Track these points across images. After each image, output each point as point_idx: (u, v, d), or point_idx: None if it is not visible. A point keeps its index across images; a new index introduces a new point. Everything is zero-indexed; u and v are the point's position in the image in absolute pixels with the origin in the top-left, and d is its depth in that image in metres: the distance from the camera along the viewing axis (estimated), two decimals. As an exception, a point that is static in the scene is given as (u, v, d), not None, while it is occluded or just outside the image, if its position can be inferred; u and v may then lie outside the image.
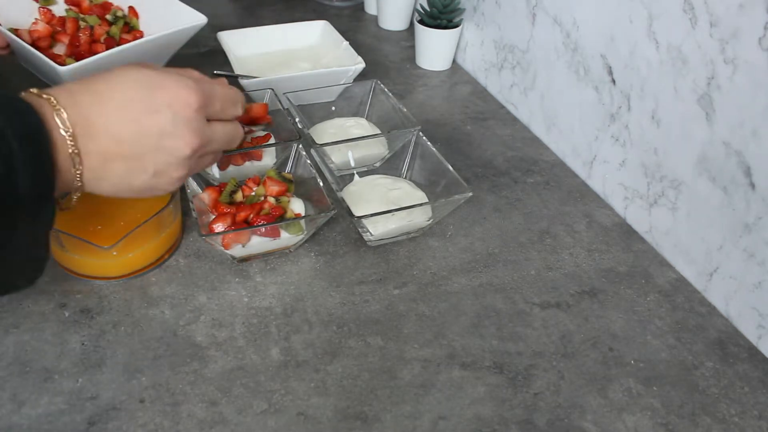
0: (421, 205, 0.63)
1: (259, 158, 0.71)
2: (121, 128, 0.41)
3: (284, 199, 0.63)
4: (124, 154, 0.42)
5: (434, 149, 0.70)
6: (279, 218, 0.61)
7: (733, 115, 0.57)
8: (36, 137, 0.37)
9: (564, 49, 0.78)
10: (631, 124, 0.69)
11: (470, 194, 0.64)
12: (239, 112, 0.51)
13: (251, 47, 0.93)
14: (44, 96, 0.39)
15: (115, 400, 0.49)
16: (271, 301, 0.59)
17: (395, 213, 0.61)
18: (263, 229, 0.60)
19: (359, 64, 0.85)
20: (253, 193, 0.63)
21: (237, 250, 0.60)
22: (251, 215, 0.61)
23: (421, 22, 0.98)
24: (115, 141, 0.41)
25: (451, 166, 0.67)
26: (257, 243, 0.61)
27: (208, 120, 0.47)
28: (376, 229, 0.63)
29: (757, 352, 0.58)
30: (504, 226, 0.70)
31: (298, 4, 1.20)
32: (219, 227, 0.59)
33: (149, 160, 0.43)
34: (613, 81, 0.71)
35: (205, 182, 0.67)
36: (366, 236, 0.65)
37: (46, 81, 0.78)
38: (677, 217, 0.65)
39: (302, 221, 0.62)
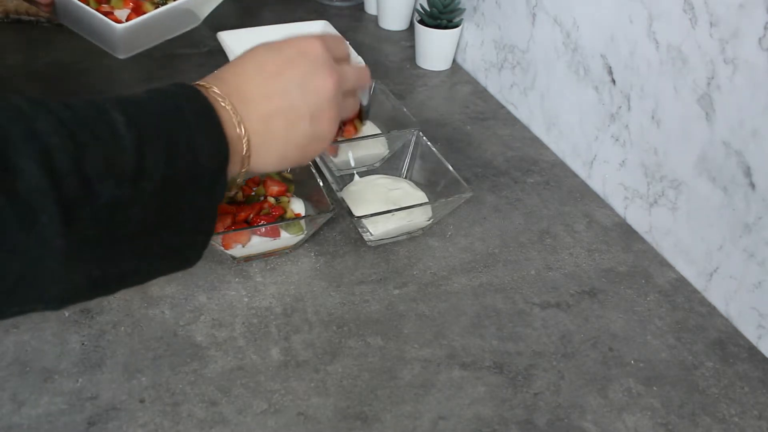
0: (421, 205, 0.63)
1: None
2: (268, 86, 0.44)
3: (284, 199, 0.63)
4: (278, 105, 0.44)
5: (434, 149, 0.70)
6: (279, 218, 0.61)
7: (733, 115, 0.57)
8: (209, 113, 0.40)
9: (564, 49, 0.78)
10: (631, 124, 0.69)
11: (470, 194, 0.64)
12: (347, 50, 0.54)
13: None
14: (195, 84, 0.42)
15: (115, 400, 0.49)
16: (271, 301, 0.59)
17: (395, 213, 0.61)
18: (263, 229, 0.60)
19: (359, 64, 0.85)
20: (253, 193, 0.63)
21: (237, 250, 0.60)
22: (251, 215, 0.61)
23: (421, 22, 0.98)
24: (266, 98, 0.43)
25: (451, 166, 0.67)
26: (257, 243, 0.61)
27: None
28: (376, 229, 0.63)
29: (757, 352, 0.58)
30: (504, 226, 0.70)
31: (298, 4, 1.20)
32: (219, 227, 0.59)
33: (302, 105, 0.45)
34: (613, 81, 0.71)
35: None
36: (366, 236, 0.65)
37: (94, 42, 0.78)
38: (677, 217, 0.65)
39: (302, 221, 0.62)
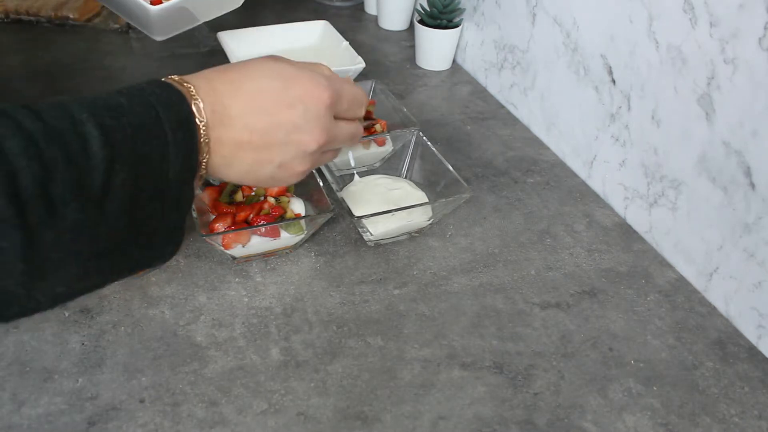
0: (421, 205, 0.63)
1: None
2: (254, 118, 0.42)
3: (284, 199, 0.63)
4: (255, 144, 0.43)
5: (434, 149, 0.70)
6: (279, 218, 0.61)
7: (733, 115, 0.57)
8: (187, 127, 0.39)
9: (564, 49, 0.78)
10: (631, 124, 0.69)
11: (470, 194, 0.64)
12: (362, 113, 0.52)
13: (251, 47, 0.92)
14: (185, 84, 0.40)
15: (115, 400, 0.49)
16: (271, 301, 0.59)
17: (395, 213, 0.61)
18: (263, 229, 0.60)
19: (359, 64, 0.85)
20: (253, 193, 0.63)
21: (237, 250, 0.60)
22: (251, 215, 0.61)
23: (421, 22, 0.98)
24: (248, 130, 0.42)
25: (451, 166, 0.67)
26: (257, 243, 0.61)
27: (335, 117, 0.48)
28: (376, 229, 0.63)
29: (757, 352, 0.58)
30: (504, 226, 0.70)
31: (298, 4, 1.20)
32: (219, 227, 0.59)
33: (277, 152, 0.44)
34: (613, 81, 0.71)
35: (205, 182, 0.67)
36: (366, 236, 0.65)
37: (132, 23, 0.77)
38: (677, 217, 0.65)
39: (302, 221, 0.62)
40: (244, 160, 0.43)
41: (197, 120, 0.39)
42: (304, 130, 0.44)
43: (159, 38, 0.76)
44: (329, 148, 0.49)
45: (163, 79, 0.41)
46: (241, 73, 0.43)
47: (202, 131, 0.40)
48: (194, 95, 0.40)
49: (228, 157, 0.42)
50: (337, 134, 0.48)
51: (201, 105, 0.40)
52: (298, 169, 0.46)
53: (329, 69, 0.49)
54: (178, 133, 0.38)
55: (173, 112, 0.38)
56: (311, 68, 0.47)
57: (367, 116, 0.71)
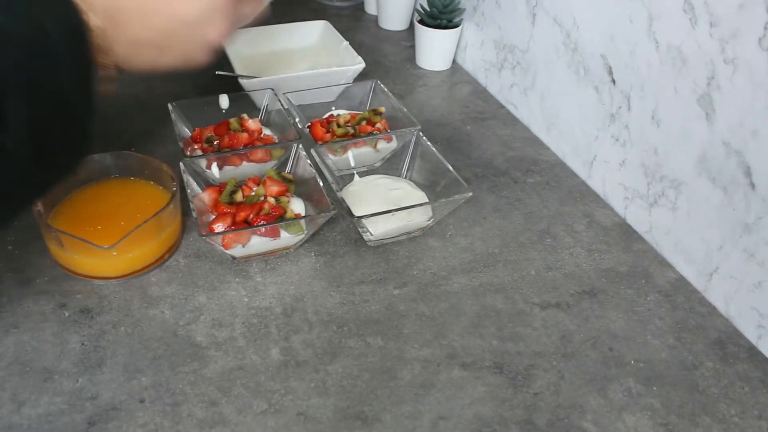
0: (421, 205, 0.63)
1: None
2: (152, 16, 0.40)
3: (284, 199, 0.63)
4: (155, 42, 0.41)
5: (434, 149, 0.70)
6: (279, 218, 0.61)
7: (733, 115, 0.57)
8: (80, 36, 0.37)
9: (564, 49, 0.78)
10: (631, 124, 0.69)
11: (470, 194, 0.64)
12: None
13: (251, 47, 0.93)
14: None
15: (115, 400, 0.49)
16: (271, 301, 0.59)
17: (395, 213, 0.61)
18: (263, 229, 0.60)
19: (359, 64, 0.85)
20: (253, 193, 0.63)
21: (237, 250, 0.60)
22: (251, 215, 0.61)
23: (421, 22, 0.98)
24: (147, 30, 0.40)
25: (451, 166, 0.67)
26: (257, 243, 0.61)
27: None
28: (376, 229, 0.63)
29: (757, 352, 0.58)
30: (504, 226, 0.70)
31: (299, 4, 1.20)
32: (219, 227, 0.59)
33: (179, 47, 0.43)
34: (613, 81, 0.71)
35: (205, 182, 0.67)
36: (366, 236, 0.65)
37: None
38: (677, 217, 0.65)
39: (302, 221, 0.62)
40: (144, 56, 0.42)
41: (90, 26, 0.37)
42: (206, 23, 0.42)
43: None
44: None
45: None
46: None
47: (97, 38, 0.38)
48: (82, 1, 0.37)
49: (127, 56, 0.41)
50: (241, 17, 0.47)
51: (92, 7, 0.37)
52: (201, 58, 0.45)
53: None
54: (72, 45, 0.36)
55: (64, 24, 0.36)
56: None
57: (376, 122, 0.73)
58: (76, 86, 0.37)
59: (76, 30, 0.36)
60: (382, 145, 0.74)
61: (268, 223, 0.60)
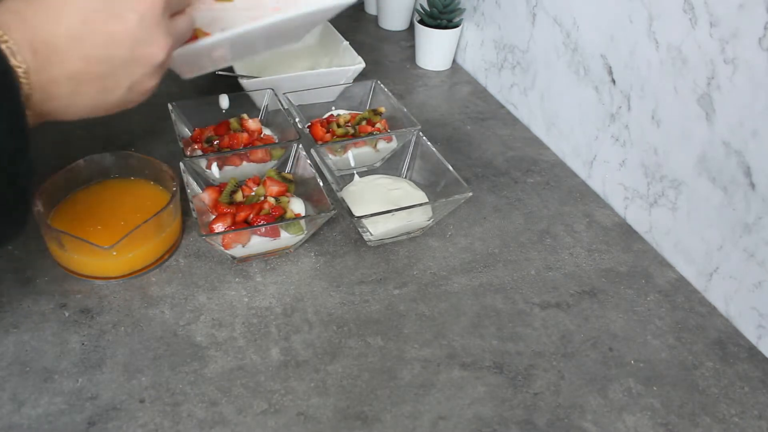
0: (421, 205, 0.63)
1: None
2: (86, 44, 0.36)
3: (284, 199, 0.63)
4: (95, 72, 0.37)
5: (434, 149, 0.70)
6: (279, 218, 0.61)
7: (733, 115, 0.57)
8: (2, 80, 0.32)
9: (564, 49, 0.78)
10: (631, 124, 0.69)
11: (470, 194, 0.64)
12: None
13: (251, 47, 0.92)
14: None
15: (115, 400, 0.49)
16: (271, 301, 0.59)
17: (395, 213, 0.61)
18: (263, 229, 0.60)
19: (359, 64, 0.85)
20: (253, 193, 0.63)
21: (237, 250, 0.60)
22: (251, 215, 0.61)
23: (421, 22, 0.98)
24: (83, 61, 0.36)
25: (451, 166, 0.67)
26: (257, 243, 0.61)
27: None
28: (376, 229, 0.63)
29: (757, 352, 0.58)
30: (504, 226, 0.70)
31: (298, 4, 1.20)
32: (219, 227, 0.59)
33: (123, 74, 0.38)
34: (613, 81, 0.71)
35: (205, 182, 0.67)
36: (366, 236, 0.65)
37: None
38: (677, 217, 0.65)
39: (302, 221, 0.62)
40: (88, 93, 0.37)
41: (15, 69, 0.33)
42: (147, 41, 0.38)
43: (186, 77, 0.64)
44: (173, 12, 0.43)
45: None
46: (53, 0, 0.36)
47: (23, 80, 0.33)
48: (4, 39, 0.33)
49: (68, 96, 0.36)
50: (179, 32, 0.42)
51: (15, 48, 0.33)
52: (150, 84, 0.41)
53: None
54: None
55: None
56: None
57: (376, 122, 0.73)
58: (2, 139, 0.32)
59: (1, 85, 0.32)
60: (382, 145, 0.74)
61: (268, 223, 0.60)
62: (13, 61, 0.33)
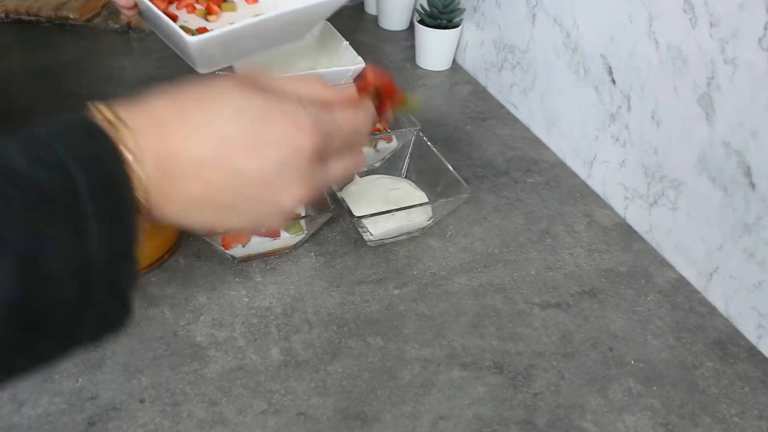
0: (421, 205, 0.63)
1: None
2: (212, 172, 0.32)
3: (284, 199, 0.63)
4: (214, 201, 0.33)
5: (434, 149, 0.70)
6: (279, 218, 0.61)
7: (733, 115, 0.57)
8: (114, 188, 0.29)
9: (564, 49, 0.78)
10: (631, 124, 0.69)
11: (470, 194, 0.64)
12: (365, 143, 0.42)
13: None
14: (120, 126, 0.30)
15: (115, 400, 0.49)
16: (271, 301, 0.59)
17: (395, 213, 0.61)
18: (263, 229, 0.60)
19: (359, 64, 0.85)
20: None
21: (237, 250, 0.60)
22: (251, 215, 0.60)
23: (421, 22, 0.98)
24: (203, 187, 0.32)
25: (451, 166, 0.67)
26: (257, 243, 0.61)
27: (324, 157, 0.37)
28: (376, 229, 0.63)
29: (757, 352, 0.58)
30: (504, 226, 0.70)
31: (298, 4, 1.20)
32: (219, 227, 0.59)
33: (245, 209, 0.34)
34: (613, 81, 0.71)
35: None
36: (366, 236, 0.65)
37: (178, 53, 0.67)
38: (677, 217, 0.65)
39: (302, 221, 0.62)
40: (204, 216, 0.34)
41: (130, 178, 0.30)
42: (279, 187, 0.34)
43: (201, 71, 0.64)
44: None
45: (90, 118, 0.30)
46: (201, 108, 0.33)
47: (138, 191, 0.30)
48: (130, 143, 0.30)
49: (181, 213, 0.33)
50: (327, 180, 0.38)
51: (139, 155, 0.30)
52: (272, 222, 0.37)
53: (323, 88, 0.37)
54: (101, 199, 0.28)
55: (94, 174, 0.28)
56: (294, 98, 0.35)
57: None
58: (104, 246, 0.29)
59: (111, 184, 0.29)
60: (382, 145, 0.74)
61: (268, 223, 0.60)
62: (130, 168, 0.30)
